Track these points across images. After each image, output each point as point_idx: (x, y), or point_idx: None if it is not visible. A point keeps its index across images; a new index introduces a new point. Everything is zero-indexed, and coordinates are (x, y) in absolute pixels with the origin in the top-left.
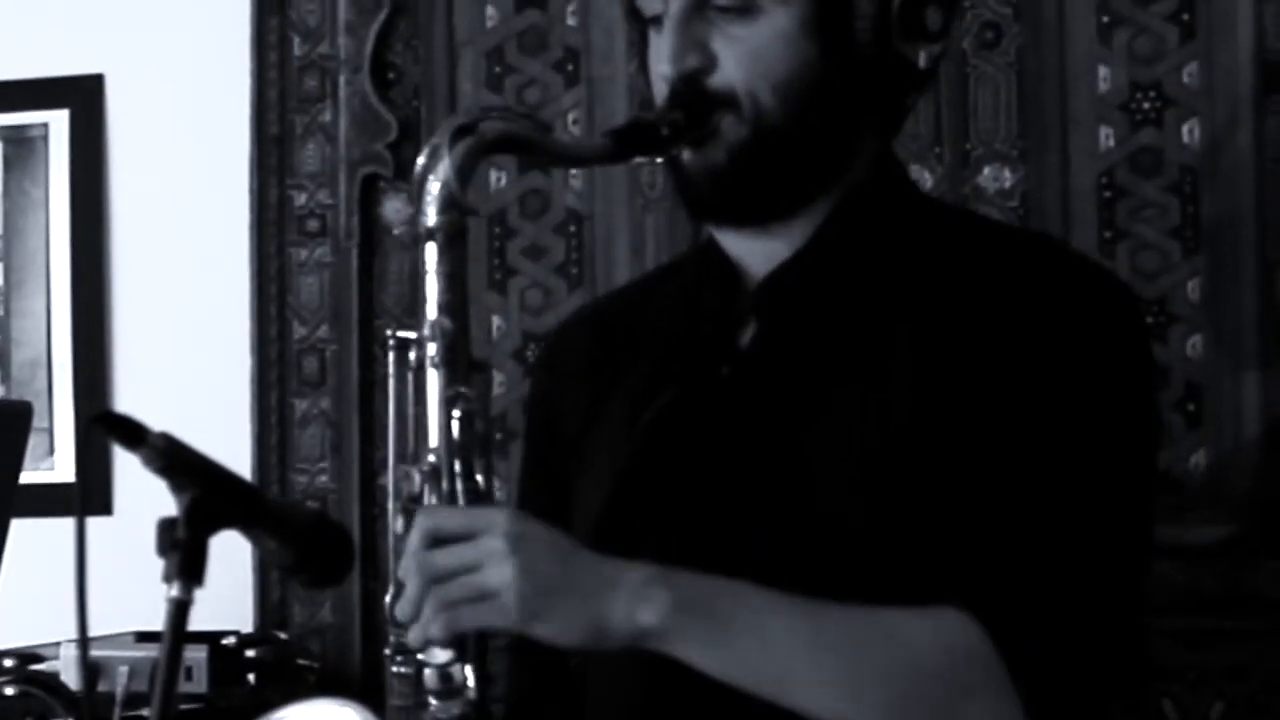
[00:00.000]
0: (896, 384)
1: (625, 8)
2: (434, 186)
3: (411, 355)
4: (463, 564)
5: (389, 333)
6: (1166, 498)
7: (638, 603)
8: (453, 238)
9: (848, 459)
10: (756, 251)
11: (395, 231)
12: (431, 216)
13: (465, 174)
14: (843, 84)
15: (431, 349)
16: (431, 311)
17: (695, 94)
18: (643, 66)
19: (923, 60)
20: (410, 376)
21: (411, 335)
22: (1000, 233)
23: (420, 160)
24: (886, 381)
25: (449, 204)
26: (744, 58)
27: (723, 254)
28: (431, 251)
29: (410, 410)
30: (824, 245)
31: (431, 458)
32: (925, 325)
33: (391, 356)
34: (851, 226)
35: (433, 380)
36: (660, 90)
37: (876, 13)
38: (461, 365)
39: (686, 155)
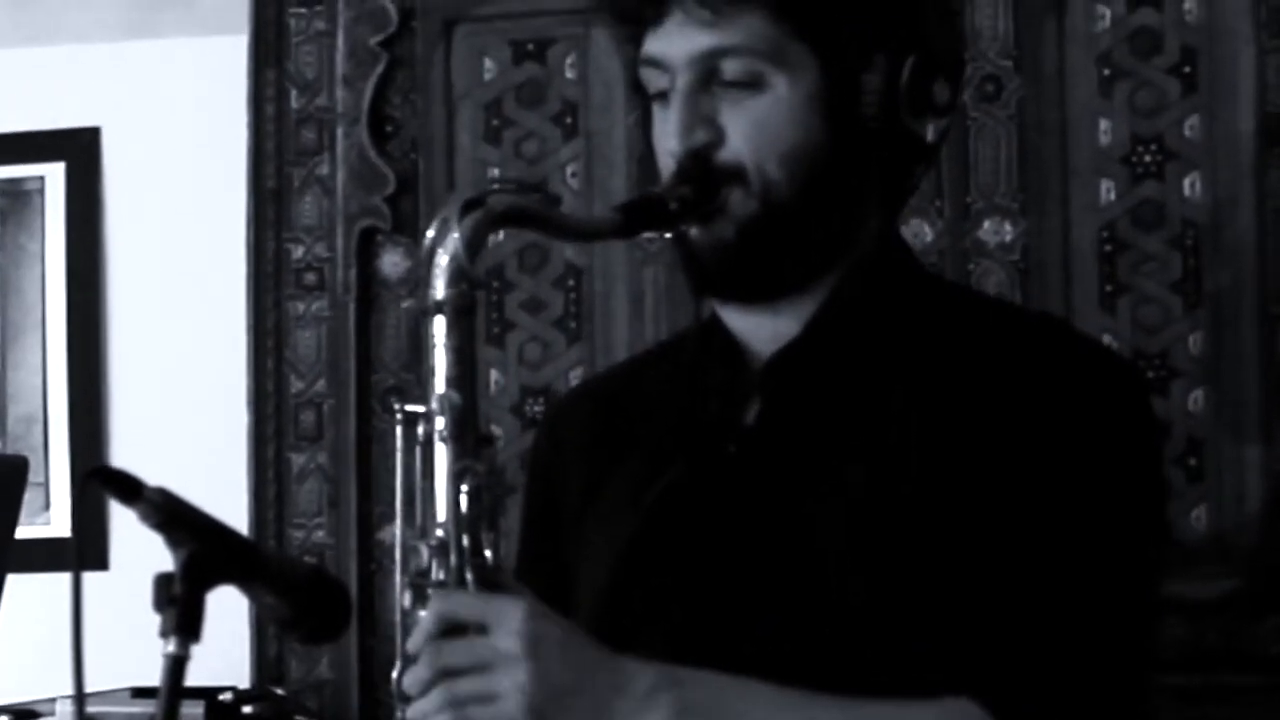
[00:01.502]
0: (902, 463)
1: (630, 83)
2: (442, 259)
3: (419, 429)
4: (476, 662)
5: (397, 406)
6: (1168, 553)
7: (643, 711)
8: (461, 311)
9: (854, 538)
10: (761, 328)
11: (395, 285)
12: (440, 289)
13: (474, 247)
14: (850, 158)
15: (440, 423)
16: (440, 385)
17: (703, 169)
18: (646, 136)
19: (930, 134)
20: (418, 450)
21: (420, 409)
22: (1002, 312)
23: (429, 233)
24: (892, 461)
25: (458, 277)
26: (751, 131)
27: (726, 331)
28: (440, 325)
29: (418, 484)
30: (829, 324)
31: (440, 532)
32: (930, 404)
33: (399, 430)
34: (857, 305)
35: (440, 454)
36: (667, 165)
37: (884, 87)
38: (470, 439)
39: (694, 232)
